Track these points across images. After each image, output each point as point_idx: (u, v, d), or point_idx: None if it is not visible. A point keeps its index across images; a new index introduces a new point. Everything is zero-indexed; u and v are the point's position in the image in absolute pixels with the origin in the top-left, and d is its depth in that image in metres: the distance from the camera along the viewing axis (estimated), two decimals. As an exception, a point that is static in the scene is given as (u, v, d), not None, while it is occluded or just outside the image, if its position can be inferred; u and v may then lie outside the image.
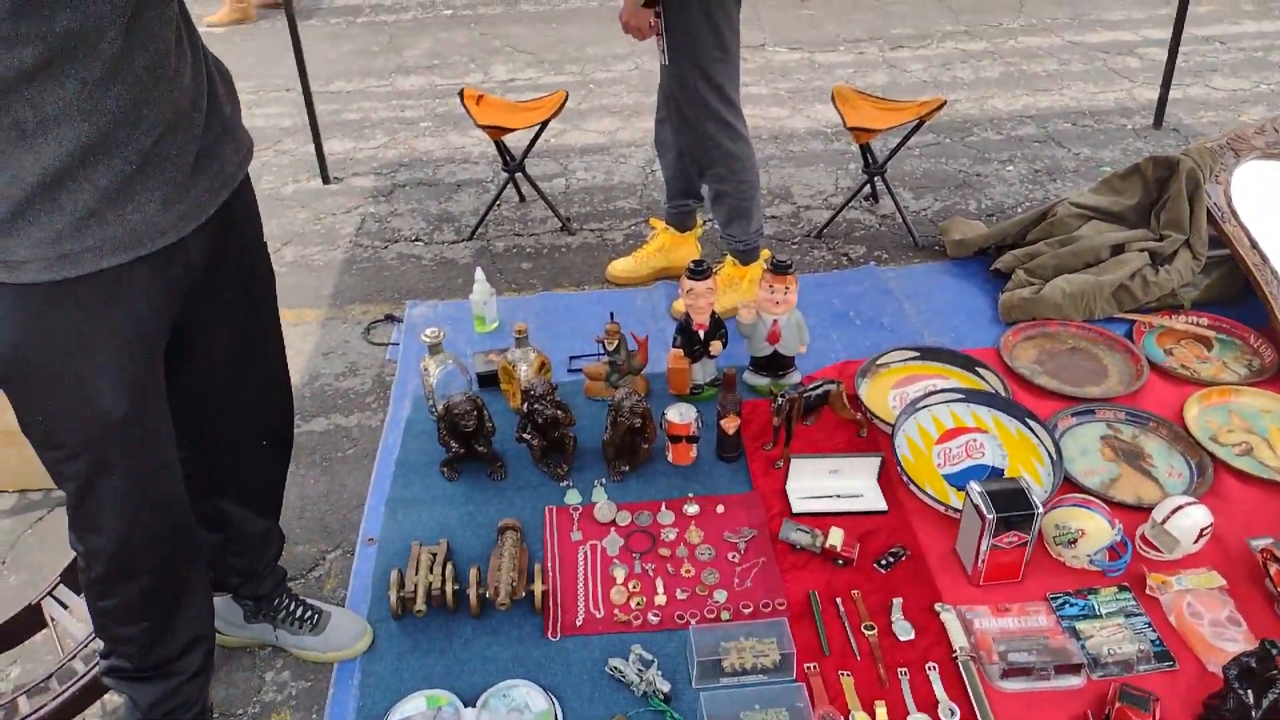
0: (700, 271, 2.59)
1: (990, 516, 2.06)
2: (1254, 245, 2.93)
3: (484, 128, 3.48)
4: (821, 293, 3.26)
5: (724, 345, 2.70)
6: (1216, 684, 1.87)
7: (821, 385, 2.54)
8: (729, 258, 3.15)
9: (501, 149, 3.59)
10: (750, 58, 5.19)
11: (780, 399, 2.42)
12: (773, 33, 5.73)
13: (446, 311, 3.19)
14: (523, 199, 3.90)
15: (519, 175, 3.69)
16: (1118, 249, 3.07)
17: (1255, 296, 2.89)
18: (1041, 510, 2.10)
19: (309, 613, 2.06)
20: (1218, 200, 3.03)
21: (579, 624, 2.11)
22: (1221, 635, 2.02)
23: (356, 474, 2.56)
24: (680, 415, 2.46)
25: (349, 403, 2.83)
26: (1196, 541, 2.18)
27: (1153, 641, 2.03)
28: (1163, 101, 4.42)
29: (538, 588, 2.10)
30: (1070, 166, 4.12)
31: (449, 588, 2.09)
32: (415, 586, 2.10)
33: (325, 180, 4.12)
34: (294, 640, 2.07)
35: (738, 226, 3.06)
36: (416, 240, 3.65)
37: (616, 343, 2.65)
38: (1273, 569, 2.09)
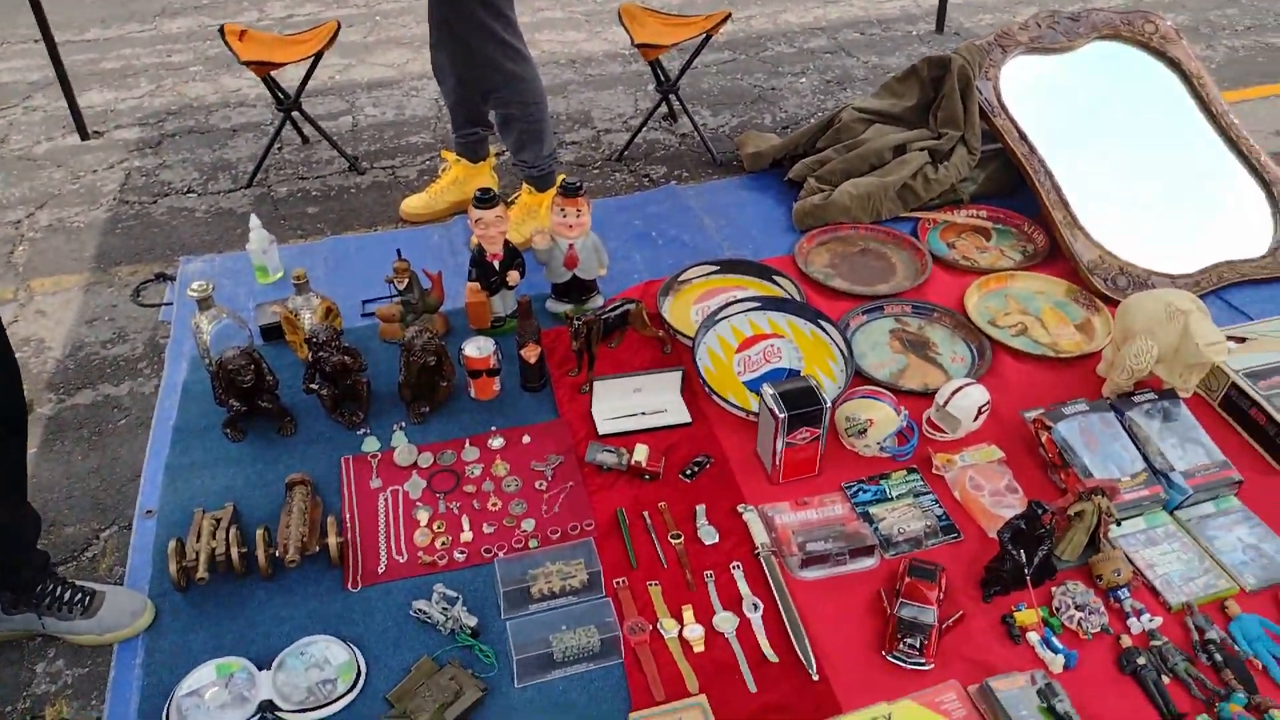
0: (487, 200, 2.50)
1: (782, 415, 2.09)
2: (1022, 137, 3.07)
3: (249, 64, 3.23)
4: (623, 215, 3.22)
5: (522, 275, 2.63)
6: (996, 548, 1.98)
7: (620, 306, 2.51)
8: (524, 185, 3.06)
9: (272, 86, 3.36)
10: (544, -19, 5.05)
11: (577, 323, 2.38)
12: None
13: (225, 265, 2.98)
14: (305, 140, 3.68)
15: (297, 115, 3.47)
16: (899, 150, 3.17)
17: (1027, 186, 3.04)
18: (830, 405, 2.15)
19: (78, 595, 1.90)
20: (988, 95, 3.16)
21: (381, 571, 2.03)
22: (1000, 503, 2.14)
23: (131, 445, 2.37)
24: (478, 349, 2.39)
25: (119, 370, 2.61)
26: (976, 419, 2.29)
27: (939, 517, 2.13)
28: (943, 7, 4.57)
29: (332, 540, 2.01)
30: (860, 75, 4.21)
31: (234, 551, 1.97)
32: (197, 554, 1.97)
33: (83, 135, 3.76)
34: (65, 626, 1.90)
35: (529, 152, 2.97)
36: (189, 192, 3.39)
37: (407, 281, 2.54)
38: (1043, 436, 2.22)
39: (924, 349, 2.62)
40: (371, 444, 2.32)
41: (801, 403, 2.11)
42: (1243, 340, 2.48)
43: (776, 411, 2.10)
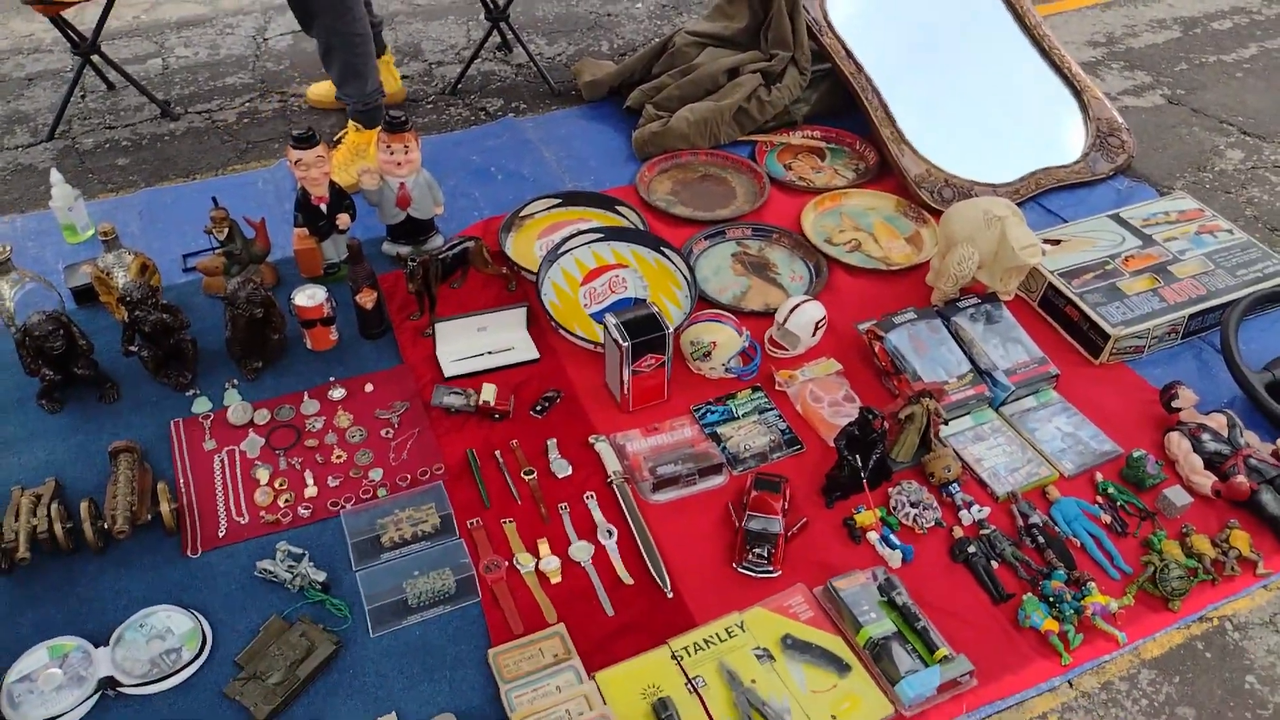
0: (304, 139, 2.37)
1: (626, 345, 2.10)
2: (849, 55, 3.12)
3: (32, 4, 2.95)
4: (460, 150, 3.13)
5: (352, 217, 2.53)
6: (836, 456, 2.06)
7: (459, 245, 2.45)
8: (350, 122, 2.93)
9: (64, 28, 3.08)
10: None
11: (412, 264, 2.31)
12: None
13: (29, 226, 2.75)
14: (111, 86, 3.41)
15: (98, 59, 3.20)
16: (733, 73, 3.17)
17: (857, 106, 3.10)
18: (673, 331, 2.17)
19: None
20: (815, 14, 3.19)
21: (221, 535, 1.96)
22: (839, 413, 2.21)
23: (-68, 428, 2.18)
24: (309, 298, 2.30)
25: (-89, 349, 2.39)
26: (814, 334, 2.36)
27: (783, 431, 2.19)
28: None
29: (165, 507, 1.91)
30: (696, -1, 4.18)
31: (58, 527, 1.85)
32: (16, 534, 1.84)
33: None
34: None
35: (353, 86, 2.84)
36: (-20, 149, 3.11)
37: (227, 230, 2.40)
38: (876, 346, 2.31)
39: (765, 270, 2.66)
40: (202, 405, 2.22)
41: (644, 330, 2.12)
42: (1058, 242, 2.63)
43: (620, 341, 2.10)
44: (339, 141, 2.95)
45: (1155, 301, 2.41)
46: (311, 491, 2.03)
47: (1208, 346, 2.44)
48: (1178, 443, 2.12)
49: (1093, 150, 3.04)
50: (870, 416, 1.95)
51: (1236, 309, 2.34)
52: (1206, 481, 2.04)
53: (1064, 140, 3.07)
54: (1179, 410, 2.17)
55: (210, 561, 1.91)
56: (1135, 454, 2.08)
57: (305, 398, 2.24)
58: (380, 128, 2.48)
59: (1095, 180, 3.00)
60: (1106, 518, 2.00)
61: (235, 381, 2.27)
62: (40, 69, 3.55)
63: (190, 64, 3.58)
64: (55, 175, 2.60)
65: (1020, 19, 3.32)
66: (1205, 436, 2.10)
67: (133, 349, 2.20)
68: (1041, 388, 2.28)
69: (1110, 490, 2.06)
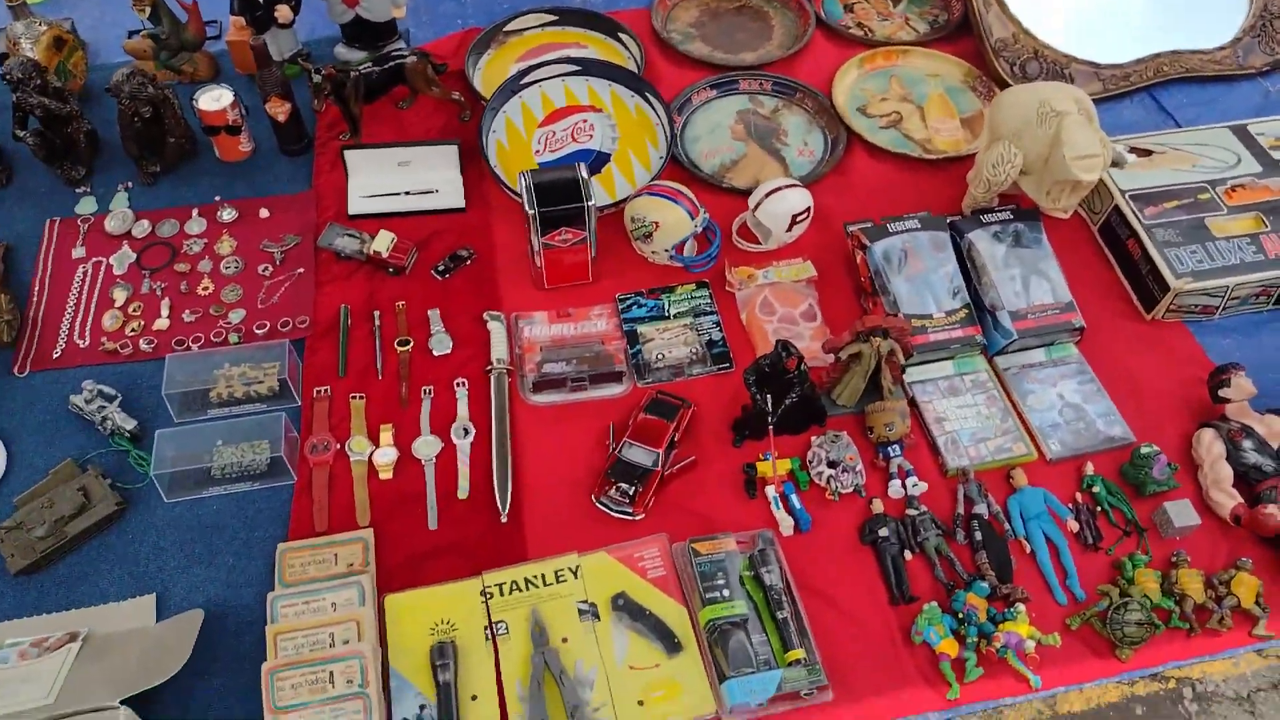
0: (235, -90, 2.02)
1: (532, 212, 1.73)
2: (957, -127, 2.45)
3: None
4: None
5: (295, 10, 2.17)
6: (760, 387, 1.67)
7: (396, 58, 2.09)
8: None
9: None
10: None
11: (317, 77, 1.97)
12: None
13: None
14: None
15: None
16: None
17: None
18: (596, 204, 1.78)
19: None
20: None
21: (56, 356, 1.77)
22: (787, 332, 1.80)
23: None
24: (214, 100, 2.01)
25: None
26: (790, 230, 1.92)
27: (714, 343, 1.81)
28: None
29: (1, 316, 1.74)
30: None
31: (-126, 323, 1.71)
32: None
33: None
34: None
35: None
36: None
37: (150, 7, 2.10)
38: (859, 256, 1.85)
39: (771, 138, 2.19)
40: (87, 205, 2.00)
41: (558, 198, 1.74)
42: (1149, 153, 2.03)
43: (526, 206, 1.74)
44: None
45: (1251, 250, 1.84)
46: (162, 324, 1.81)
47: (1309, 321, 1.87)
48: (1209, 444, 1.62)
49: (1248, 35, 2.33)
50: (785, 353, 1.54)
51: (1357, 280, 1.75)
52: (1228, 502, 1.56)
53: (1210, 17, 2.36)
54: (1226, 401, 1.66)
55: (35, 384, 1.74)
56: (1144, 449, 1.61)
57: (194, 214, 1.99)
58: (327, -96, 2.09)
59: (1240, 75, 2.32)
60: (1074, 525, 1.57)
61: (130, 185, 2.04)
62: None
63: None
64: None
65: None
66: (1247, 444, 1.60)
67: (19, 133, 1.98)
68: (1059, 340, 1.79)
69: (1097, 489, 1.61)
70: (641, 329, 1.83)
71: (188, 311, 1.83)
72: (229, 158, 2.09)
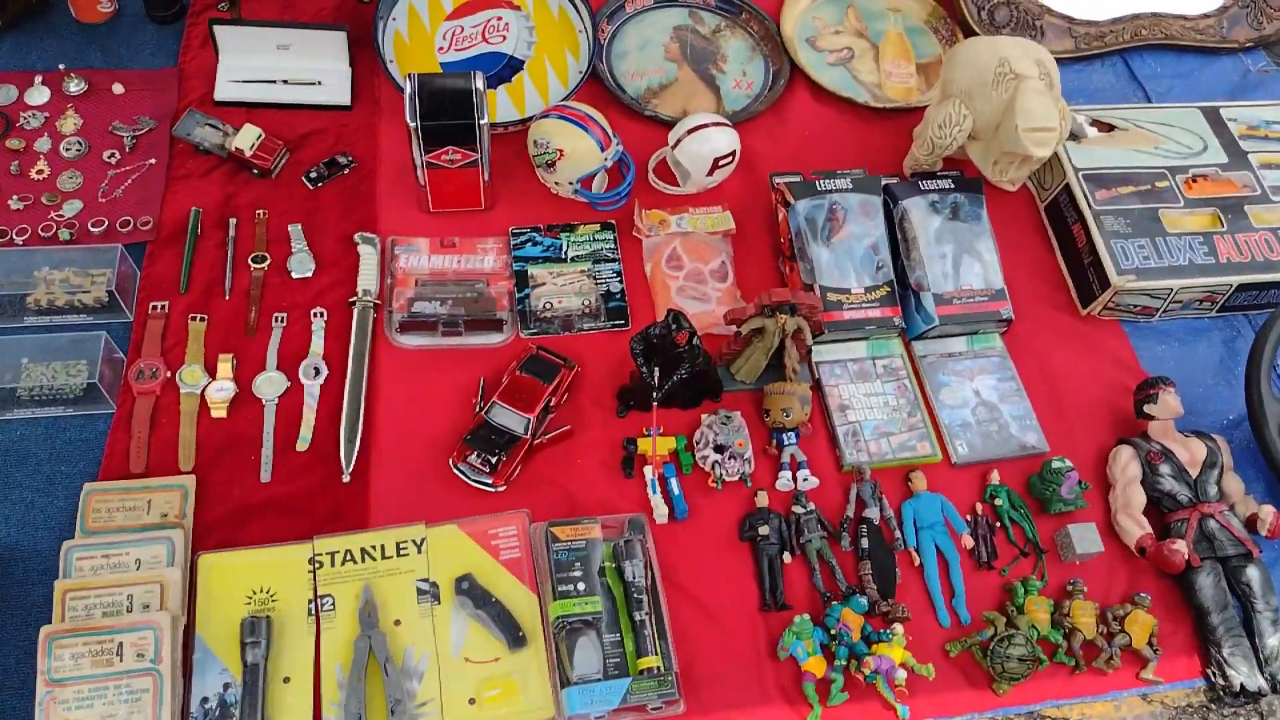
0: None
1: (414, 124, 1.51)
2: None
3: None
4: None
5: None
6: (653, 352, 1.50)
7: (291, -79, 1.80)
8: None
9: None
10: None
11: (182, -66, 1.69)
12: None
13: None
14: None
15: None
16: None
17: None
18: (490, 120, 1.56)
19: None
20: None
21: None
22: (691, 293, 1.63)
23: None
24: (64, -54, 1.72)
25: None
26: (712, 174, 1.72)
27: (611, 295, 1.63)
28: None
29: None
30: None
31: None
32: None
33: None
34: None
35: None
36: None
37: None
38: (781, 213, 1.67)
39: (707, 62, 1.96)
40: (-94, 58, 1.72)
41: (443, 111, 1.51)
42: (1111, 129, 1.86)
43: (408, 117, 1.51)
44: None
45: (1203, 251, 1.69)
46: (-19, 209, 1.58)
47: (1250, 334, 1.74)
48: (1125, 464, 1.50)
49: (1237, 4, 2.14)
50: (676, 326, 1.37)
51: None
52: (1136, 531, 1.45)
53: (1202, -20, 2.17)
54: (1150, 418, 1.54)
55: None
56: (1055, 463, 1.49)
57: (36, 81, 1.72)
58: None
59: (1221, 48, 2.13)
60: (969, 541, 1.45)
61: (-37, 40, 1.76)
62: None
63: None
64: None
65: None
66: (1164, 469, 1.48)
67: None
68: (983, 329, 1.65)
69: (1000, 501, 1.49)
70: (533, 270, 1.63)
71: (16, 197, 1.59)
72: (86, 18, 1.81)
